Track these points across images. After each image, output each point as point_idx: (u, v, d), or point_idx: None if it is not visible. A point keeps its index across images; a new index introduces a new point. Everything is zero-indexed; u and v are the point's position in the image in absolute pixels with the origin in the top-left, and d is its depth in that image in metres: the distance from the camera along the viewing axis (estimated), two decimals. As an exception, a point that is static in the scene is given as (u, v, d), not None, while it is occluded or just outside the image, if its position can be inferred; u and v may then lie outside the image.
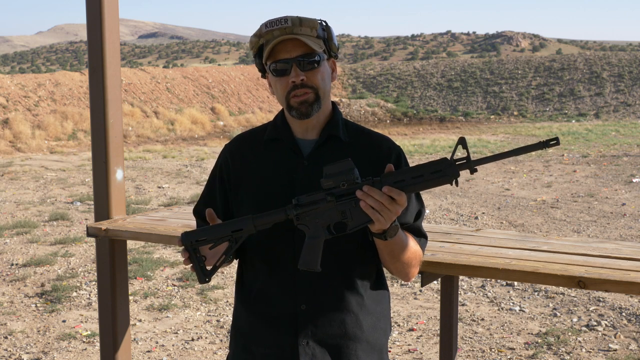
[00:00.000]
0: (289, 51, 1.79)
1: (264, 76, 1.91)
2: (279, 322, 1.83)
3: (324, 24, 1.85)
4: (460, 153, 1.88)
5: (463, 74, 40.55)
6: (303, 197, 1.70)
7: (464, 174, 14.09)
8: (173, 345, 4.79)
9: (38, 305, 5.61)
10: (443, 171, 1.62)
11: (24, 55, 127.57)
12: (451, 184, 1.63)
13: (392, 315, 5.25)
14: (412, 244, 1.83)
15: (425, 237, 1.93)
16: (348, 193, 1.66)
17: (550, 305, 5.49)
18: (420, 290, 5.88)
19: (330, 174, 1.65)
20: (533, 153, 17.53)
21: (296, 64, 1.79)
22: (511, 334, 4.91)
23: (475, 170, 1.62)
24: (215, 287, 5.96)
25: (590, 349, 4.60)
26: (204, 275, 1.75)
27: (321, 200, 1.68)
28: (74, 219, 9.11)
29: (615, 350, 4.57)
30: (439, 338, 3.53)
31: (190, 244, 1.75)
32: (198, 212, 1.98)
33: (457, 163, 1.62)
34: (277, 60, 1.80)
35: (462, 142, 1.60)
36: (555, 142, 1.57)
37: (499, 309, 5.43)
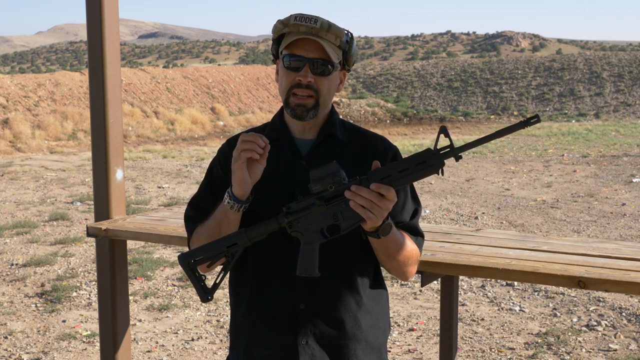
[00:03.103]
0: (307, 50, 1.80)
1: (274, 61, 1.91)
2: (278, 322, 1.83)
3: (350, 35, 1.86)
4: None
5: (463, 74, 40.56)
6: (293, 204, 1.70)
7: (464, 174, 14.05)
8: (173, 345, 4.79)
9: (38, 305, 5.61)
10: (428, 162, 1.62)
11: (24, 55, 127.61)
12: (438, 174, 1.62)
13: (392, 315, 5.25)
14: (408, 242, 1.83)
15: (422, 236, 1.93)
16: (337, 195, 1.66)
17: (550, 305, 5.49)
18: (420, 290, 5.88)
19: (317, 178, 1.65)
20: (533, 153, 17.54)
21: (309, 65, 1.80)
22: (511, 334, 4.91)
23: (460, 157, 1.61)
24: (215, 287, 5.96)
25: (590, 349, 4.60)
26: (205, 294, 1.76)
27: (311, 205, 1.68)
28: (74, 219, 9.11)
29: (615, 350, 4.57)
30: (439, 338, 3.53)
31: (188, 264, 1.75)
32: (198, 205, 1.94)
33: (441, 152, 1.62)
34: (293, 55, 1.81)
35: (443, 131, 1.60)
36: (535, 119, 1.56)
37: (499, 309, 5.43)
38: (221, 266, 1.78)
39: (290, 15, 1.81)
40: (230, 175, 1.82)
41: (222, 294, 5.83)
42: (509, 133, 1.59)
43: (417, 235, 1.91)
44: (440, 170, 1.62)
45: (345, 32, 1.84)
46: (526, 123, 1.56)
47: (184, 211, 1.97)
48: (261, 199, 1.82)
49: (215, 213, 1.80)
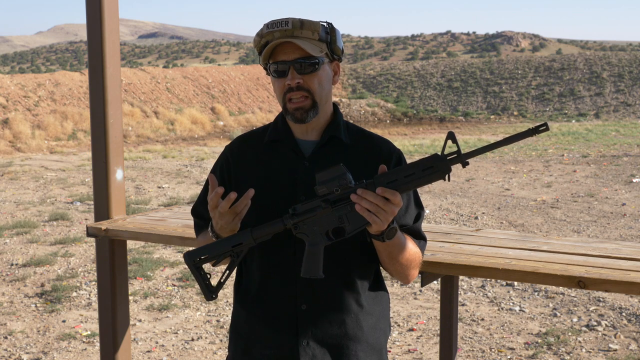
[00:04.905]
0: (288, 53, 1.80)
1: (268, 73, 1.91)
2: (279, 323, 1.83)
3: (328, 26, 1.85)
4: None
5: (463, 74, 40.56)
6: (299, 205, 1.71)
7: (464, 174, 14.05)
8: (173, 345, 4.79)
9: (38, 305, 5.61)
10: (435, 167, 1.62)
11: (23, 55, 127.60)
12: (444, 180, 1.62)
13: (392, 315, 5.25)
14: (411, 245, 1.83)
15: (425, 239, 1.93)
16: (343, 198, 1.66)
17: (550, 305, 5.49)
18: (420, 290, 5.88)
19: (323, 180, 1.66)
20: (533, 153, 17.53)
21: (294, 67, 1.79)
22: (511, 334, 4.91)
23: (467, 164, 1.60)
24: (215, 287, 5.96)
25: (590, 349, 4.60)
26: (210, 292, 1.77)
27: (317, 208, 1.69)
28: (74, 219, 9.11)
29: (615, 350, 4.57)
30: (439, 338, 3.53)
31: (193, 262, 1.76)
32: (197, 212, 1.99)
33: (448, 158, 1.62)
34: (276, 62, 1.81)
35: (451, 136, 1.59)
36: (544, 127, 1.55)
37: (499, 309, 5.43)
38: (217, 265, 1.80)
39: (263, 25, 1.82)
40: (232, 182, 1.88)
41: (222, 294, 5.83)
42: (517, 140, 1.58)
43: (420, 238, 1.91)
44: (446, 176, 1.62)
45: (322, 24, 1.84)
46: (535, 131, 1.55)
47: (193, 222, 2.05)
48: (264, 200, 1.82)
49: (205, 237, 1.86)
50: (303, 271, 1.70)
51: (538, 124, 1.59)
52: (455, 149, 1.61)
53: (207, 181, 1.96)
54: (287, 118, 1.85)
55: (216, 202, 1.69)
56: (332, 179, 1.65)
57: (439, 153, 1.62)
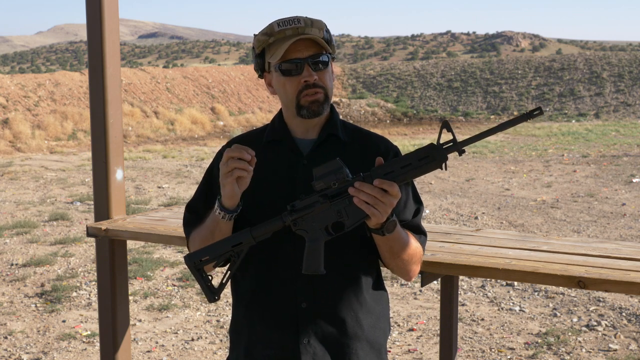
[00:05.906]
0: (301, 51, 1.80)
1: (261, 76, 1.91)
2: (279, 321, 1.83)
3: (326, 26, 1.88)
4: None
5: (463, 74, 40.55)
6: (297, 202, 1.70)
7: (464, 174, 14.02)
8: (173, 345, 4.79)
9: (38, 305, 5.61)
10: (431, 156, 1.62)
11: (23, 55, 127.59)
12: (441, 169, 1.62)
13: (392, 315, 5.25)
14: (412, 240, 1.83)
15: (425, 234, 1.93)
16: (340, 192, 1.66)
17: (550, 305, 5.49)
18: (420, 290, 5.88)
19: (320, 175, 1.66)
20: (533, 153, 17.54)
21: (308, 64, 1.80)
22: (511, 334, 4.91)
23: (463, 152, 1.61)
24: (215, 287, 5.95)
25: (590, 349, 4.60)
26: (212, 294, 1.77)
27: (315, 203, 1.68)
28: (74, 219, 9.11)
29: (615, 350, 4.57)
30: (439, 338, 3.54)
31: (194, 264, 1.76)
32: (192, 208, 1.96)
33: (444, 147, 1.62)
34: (289, 60, 1.80)
35: (446, 125, 1.60)
36: (538, 111, 1.56)
37: (499, 309, 5.43)
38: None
39: (271, 24, 1.81)
40: None
41: (222, 294, 5.83)
42: (513, 126, 1.59)
43: (420, 233, 1.91)
44: (443, 165, 1.62)
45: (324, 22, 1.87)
46: (529, 115, 1.56)
47: (183, 215, 1.99)
48: (264, 199, 1.82)
49: (208, 221, 1.81)
50: (304, 268, 1.69)
51: (532, 108, 1.59)
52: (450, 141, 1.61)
53: (204, 178, 1.96)
54: (301, 114, 1.83)
55: (237, 164, 1.65)
56: (329, 174, 1.65)
57: (435, 142, 1.63)
